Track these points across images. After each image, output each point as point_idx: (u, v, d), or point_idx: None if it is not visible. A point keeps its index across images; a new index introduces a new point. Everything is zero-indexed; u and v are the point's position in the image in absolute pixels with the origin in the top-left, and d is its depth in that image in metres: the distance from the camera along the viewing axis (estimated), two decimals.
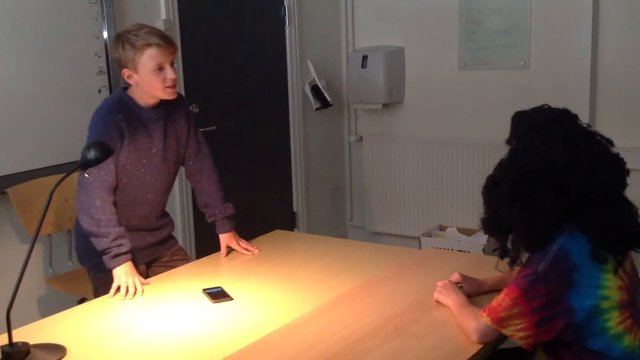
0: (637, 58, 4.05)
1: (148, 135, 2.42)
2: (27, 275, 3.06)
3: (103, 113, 2.38)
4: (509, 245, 1.82)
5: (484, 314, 1.79)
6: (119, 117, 2.35)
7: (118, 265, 2.30)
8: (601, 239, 1.70)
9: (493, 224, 1.84)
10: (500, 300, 1.76)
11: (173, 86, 2.36)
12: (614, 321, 1.70)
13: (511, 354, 2.04)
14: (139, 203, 2.50)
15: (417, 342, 1.84)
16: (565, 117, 1.84)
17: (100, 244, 2.32)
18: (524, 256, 1.83)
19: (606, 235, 1.71)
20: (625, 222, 1.74)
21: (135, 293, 2.25)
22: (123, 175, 2.41)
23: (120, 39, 2.33)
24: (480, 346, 1.79)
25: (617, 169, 1.76)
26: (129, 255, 2.34)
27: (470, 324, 1.82)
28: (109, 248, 2.31)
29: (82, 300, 2.70)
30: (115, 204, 2.39)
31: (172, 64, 2.34)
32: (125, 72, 2.33)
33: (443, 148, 4.55)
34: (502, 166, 1.83)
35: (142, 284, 2.32)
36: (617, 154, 1.79)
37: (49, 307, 3.11)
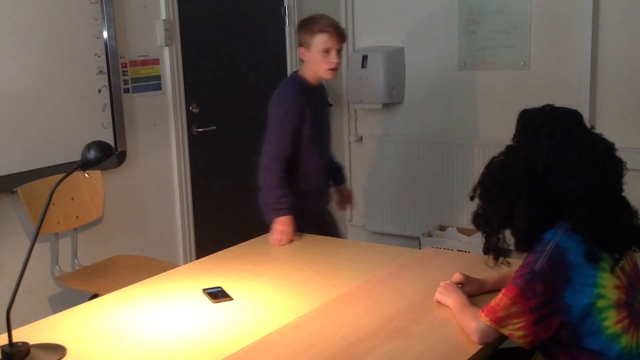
0: (637, 58, 4.05)
1: (317, 109, 2.90)
2: (37, 274, 3.15)
3: (287, 93, 2.87)
4: (493, 242, 1.85)
5: (483, 314, 1.79)
6: (302, 98, 2.83)
7: (278, 215, 2.77)
8: (593, 239, 1.71)
9: (479, 219, 1.89)
10: (499, 300, 1.76)
11: (334, 69, 2.82)
12: (611, 320, 1.70)
13: (511, 354, 2.04)
14: (320, 167, 2.98)
15: (417, 342, 1.84)
16: (562, 119, 1.83)
17: (268, 197, 2.82)
18: (513, 255, 1.86)
19: (598, 235, 1.71)
20: (620, 221, 1.74)
21: (288, 241, 2.74)
22: (309, 146, 2.88)
23: (304, 22, 2.88)
24: (481, 346, 1.79)
25: (606, 172, 1.75)
26: (284, 211, 2.77)
27: (470, 325, 1.83)
28: (273, 202, 2.79)
29: (95, 296, 2.71)
30: (301, 172, 2.90)
31: (338, 51, 2.81)
32: (301, 49, 2.86)
33: (443, 148, 4.55)
34: (492, 164, 1.86)
35: (293, 238, 2.77)
36: (612, 158, 1.78)
37: (60, 304, 3.12)
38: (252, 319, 2.04)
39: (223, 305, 2.14)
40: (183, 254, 3.88)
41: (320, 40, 2.79)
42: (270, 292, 2.25)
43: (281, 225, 2.77)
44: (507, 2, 4.34)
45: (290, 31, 4.50)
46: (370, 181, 4.91)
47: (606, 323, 1.70)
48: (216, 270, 2.48)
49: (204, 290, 2.24)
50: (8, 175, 3.00)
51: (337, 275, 2.37)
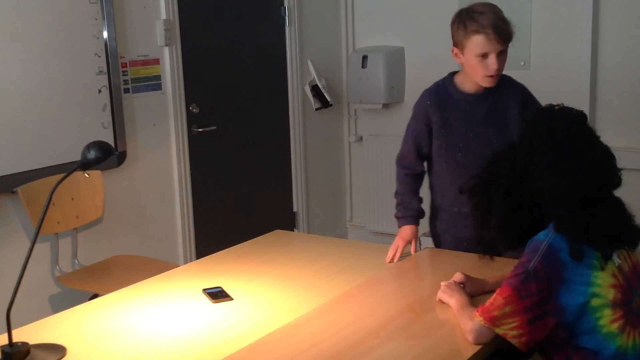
0: (637, 58, 4.05)
1: (465, 119, 2.47)
2: (37, 274, 3.15)
3: (419, 97, 2.58)
4: (480, 236, 1.90)
5: (477, 313, 1.79)
6: (428, 103, 2.51)
7: (399, 225, 2.59)
8: (575, 237, 1.72)
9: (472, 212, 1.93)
10: (493, 299, 1.77)
11: (493, 75, 2.36)
12: (607, 319, 1.70)
13: (511, 354, 2.04)
14: (450, 186, 2.50)
15: (417, 342, 1.84)
16: (558, 119, 1.82)
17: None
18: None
19: (580, 233, 1.72)
20: (603, 221, 1.74)
21: (395, 257, 2.46)
22: (440, 159, 2.54)
23: (459, 17, 2.38)
24: (480, 346, 1.79)
25: (589, 175, 1.76)
26: (402, 220, 2.57)
27: (466, 324, 1.83)
28: (395, 208, 2.63)
29: (95, 296, 2.71)
30: (431, 184, 2.64)
31: (500, 54, 2.33)
32: (454, 49, 2.42)
33: None
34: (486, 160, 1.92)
35: (413, 249, 2.53)
36: (604, 161, 1.80)
37: (60, 305, 3.13)
38: (252, 319, 2.04)
39: (223, 305, 2.14)
40: (183, 254, 3.88)
41: (475, 43, 2.32)
42: (270, 292, 2.25)
43: (397, 237, 2.54)
44: (507, 2, 4.33)
45: (290, 31, 4.50)
46: (370, 181, 4.90)
47: (602, 322, 1.70)
48: (216, 270, 2.48)
49: (204, 290, 2.24)
50: (8, 175, 3.00)
51: (337, 275, 2.37)
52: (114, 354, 1.84)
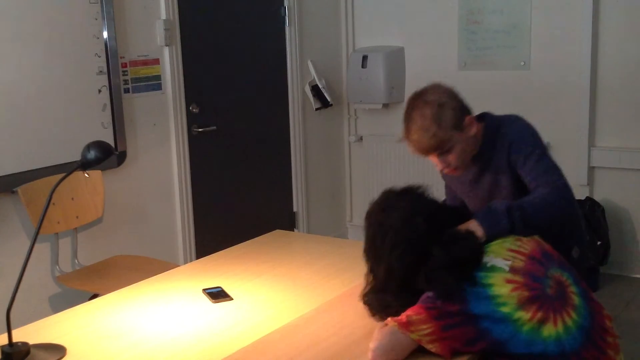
0: (637, 58, 4.05)
1: (457, 180, 2.42)
2: (37, 274, 3.15)
3: None
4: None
5: (390, 319, 1.77)
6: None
7: None
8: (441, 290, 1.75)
9: None
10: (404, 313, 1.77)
11: (449, 171, 2.26)
12: (524, 319, 1.69)
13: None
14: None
15: None
16: (391, 219, 1.85)
17: None
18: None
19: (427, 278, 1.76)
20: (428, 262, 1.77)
21: None
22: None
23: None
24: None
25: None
26: None
27: (380, 329, 1.78)
28: None
29: (95, 296, 2.72)
30: None
31: (441, 155, 2.20)
32: None
33: None
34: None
35: None
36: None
37: (60, 305, 3.13)
38: (252, 319, 2.04)
39: (223, 305, 2.14)
40: (183, 254, 3.88)
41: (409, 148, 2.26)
42: (270, 292, 2.25)
43: None
44: (507, 2, 4.34)
45: (290, 31, 4.50)
46: (370, 181, 4.91)
47: (520, 322, 1.69)
48: (216, 270, 2.48)
49: (204, 290, 2.24)
50: (8, 175, 3.00)
51: (337, 275, 2.37)
52: (114, 354, 1.84)
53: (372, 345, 1.74)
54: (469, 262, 1.78)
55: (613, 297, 4.01)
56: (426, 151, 2.20)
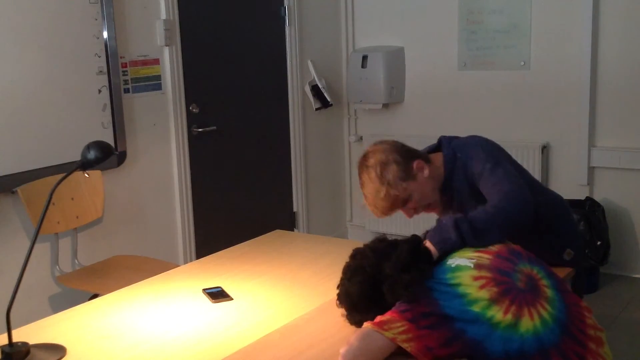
0: (637, 58, 4.05)
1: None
2: (37, 274, 3.16)
3: None
4: None
5: (366, 323, 1.77)
6: None
7: None
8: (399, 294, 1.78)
9: None
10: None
11: (427, 210, 2.30)
12: (498, 317, 1.67)
13: None
14: None
15: None
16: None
17: None
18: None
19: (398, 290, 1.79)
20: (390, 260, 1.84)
21: None
22: None
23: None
24: None
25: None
26: None
27: (355, 332, 1.79)
28: None
29: (95, 296, 2.72)
30: None
31: (403, 207, 2.25)
32: None
33: None
34: None
35: None
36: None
37: (60, 305, 3.13)
38: (252, 319, 2.04)
39: (223, 305, 2.14)
40: (183, 254, 3.88)
41: None
42: (270, 292, 2.25)
43: None
44: (507, 2, 4.34)
45: (290, 31, 4.51)
46: None
47: (494, 320, 1.67)
48: (216, 270, 2.48)
49: (204, 290, 2.24)
50: (8, 175, 3.00)
51: (337, 275, 2.35)
52: (114, 354, 1.85)
53: (342, 350, 1.71)
54: (418, 258, 1.81)
55: (613, 297, 4.01)
56: (387, 210, 2.23)
